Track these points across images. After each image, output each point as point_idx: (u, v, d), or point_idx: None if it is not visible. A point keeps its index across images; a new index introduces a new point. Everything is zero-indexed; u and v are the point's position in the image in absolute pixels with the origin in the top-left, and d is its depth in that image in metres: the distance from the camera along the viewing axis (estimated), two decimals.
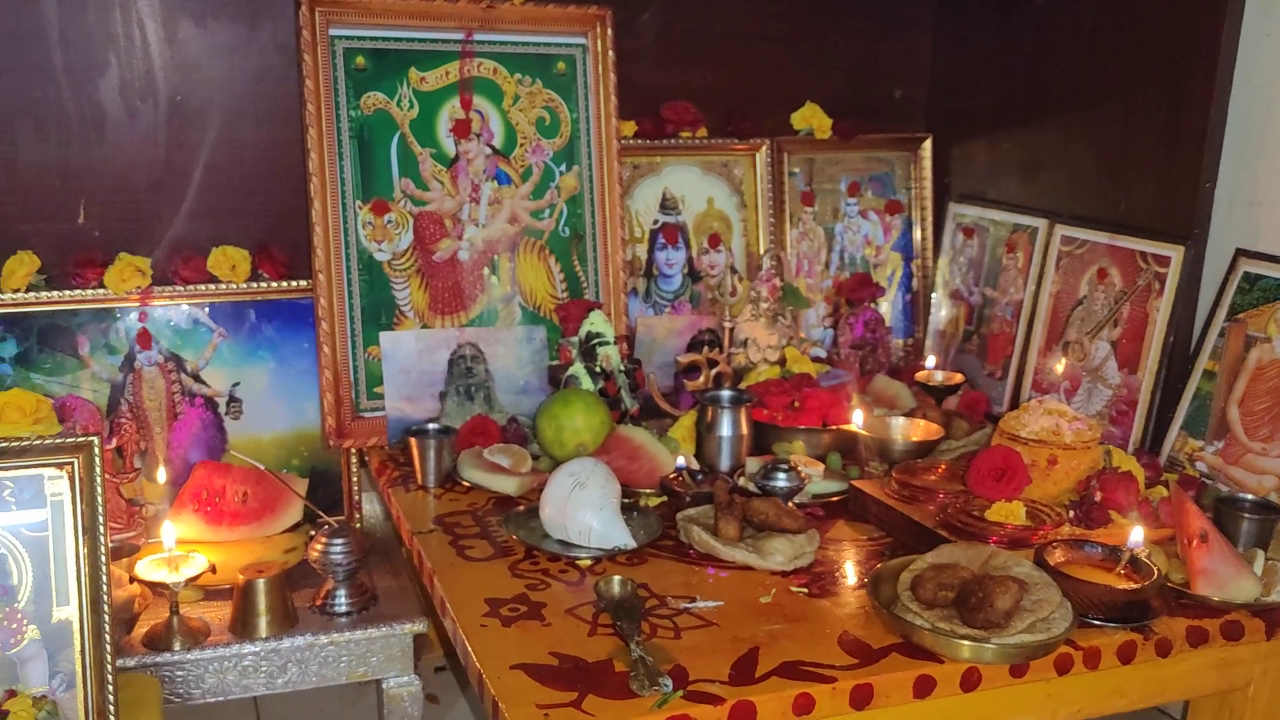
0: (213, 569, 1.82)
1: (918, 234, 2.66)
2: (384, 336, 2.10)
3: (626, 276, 2.30)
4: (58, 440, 1.35)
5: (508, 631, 1.41)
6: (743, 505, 1.65)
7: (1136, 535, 1.53)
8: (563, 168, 2.24)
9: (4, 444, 1.32)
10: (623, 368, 2.12)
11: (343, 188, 2.09)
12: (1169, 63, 2.06)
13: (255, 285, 2.11)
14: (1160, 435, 2.04)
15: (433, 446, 1.92)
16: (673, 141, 2.41)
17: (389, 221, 2.14)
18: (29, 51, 1.98)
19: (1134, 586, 1.44)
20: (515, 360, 2.17)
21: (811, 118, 2.52)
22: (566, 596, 1.51)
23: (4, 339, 1.97)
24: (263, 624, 1.81)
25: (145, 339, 2.06)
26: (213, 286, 2.09)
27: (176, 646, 1.76)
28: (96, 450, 1.35)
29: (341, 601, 1.88)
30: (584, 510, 1.65)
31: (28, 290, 1.99)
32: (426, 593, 1.97)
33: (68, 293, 2.01)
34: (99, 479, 1.34)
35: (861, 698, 1.29)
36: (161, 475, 2.08)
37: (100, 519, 1.34)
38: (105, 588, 1.34)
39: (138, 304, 2.05)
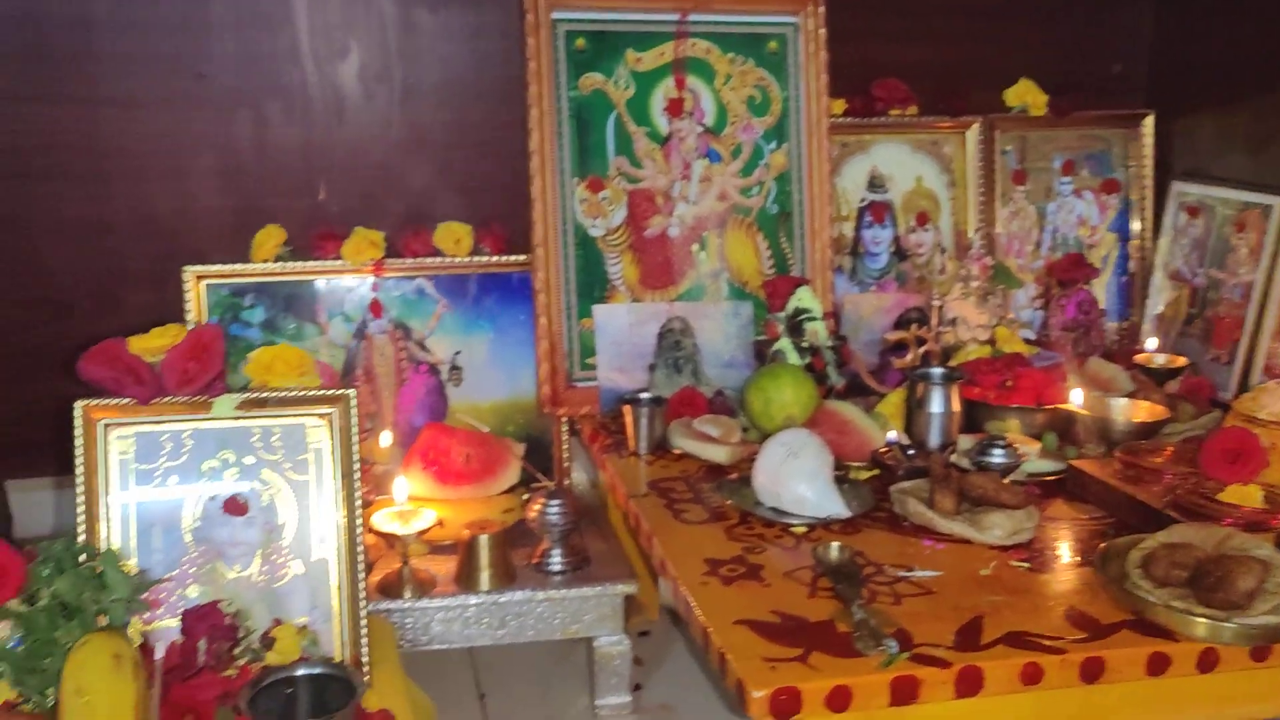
0: (440, 523, 1.93)
1: (1136, 214, 2.56)
2: (597, 309, 2.18)
3: (833, 254, 2.31)
4: (319, 392, 1.46)
5: (728, 590, 1.45)
6: (959, 479, 1.64)
7: None
8: (772, 145, 2.27)
9: (274, 394, 1.44)
10: (830, 344, 2.13)
11: (561, 165, 2.17)
12: None
13: (477, 259, 2.22)
14: None
15: (645, 415, 1.98)
16: (882, 119, 2.40)
17: (604, 198, 2.21)
18: (280, 37, 2.14)
19: None
20: (722, 335, 2.21)
21: (1026, 94, 2.47)
22: (783, 560, 1.54)
23: (254, 306, 2.13)
24: (485, 578, 1.91)
25: (377, 308, 2.19)
26: (438, 259, 2.20)
27: (407, 595, 1.87)
28: (352, 402, 1.45)
29: (556, 561, 1.96)
30: (797, 480, 1.68)
31: (275, 260, 2.14)
32: (633, 557, 2.04)
33: (309, 263, 2.16)
34: (355, 428, 1.45)
35: (1092, 671, 1.27)
36: (386, 438, 2.20)
37: (355, 465, 1.44)
38: (359, 529, 1.44)
39: (371, 275, 2.18)
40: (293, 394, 1.45)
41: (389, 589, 1.88)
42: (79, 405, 1.39)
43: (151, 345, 1.40)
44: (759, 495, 1.72)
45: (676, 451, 1.96)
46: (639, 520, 1.73)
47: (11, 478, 2.33)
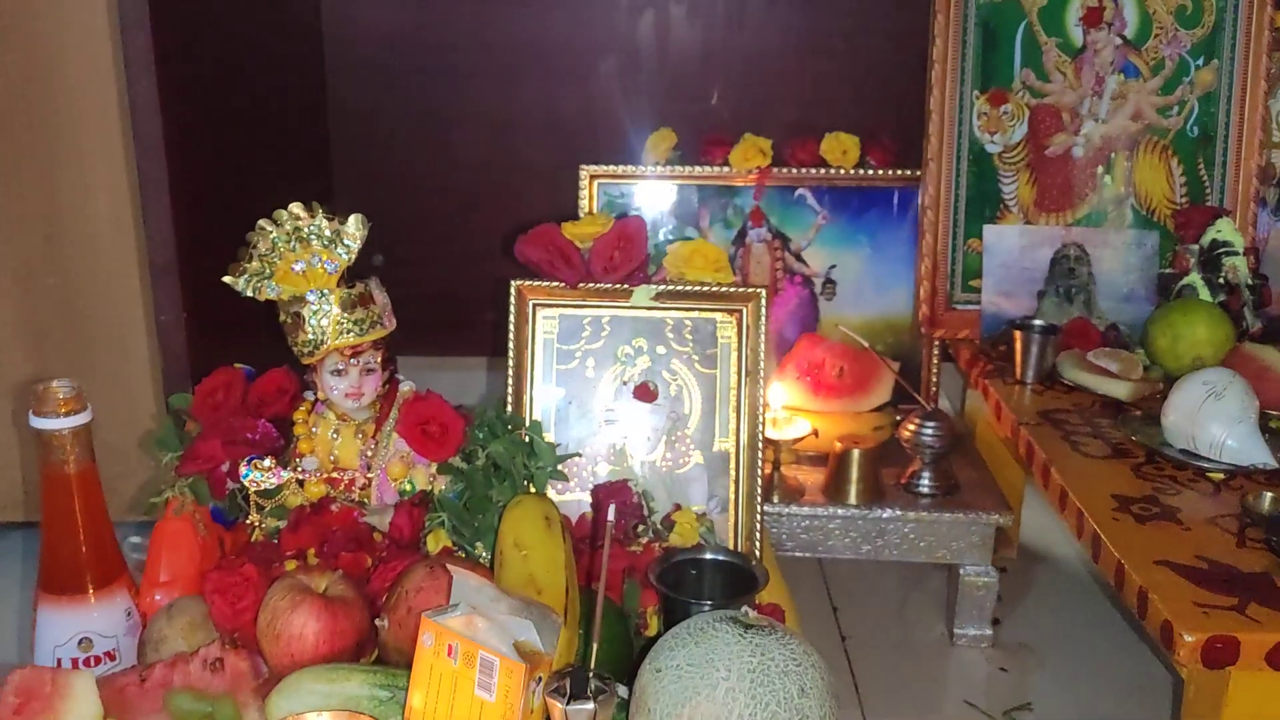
0: (815, 433, 1.94)
1: None
2: (988, 229, 2.09)
3: (1259, 185, 2.09)
4: (732, 289, 1.48)
5: (1143, 529, 1.37)
6: None
7: None
8: (1199, 61, 2.07)
9: (691, 287, 1.47)
10: (1250, 282, 1.94)
11: (963, 76, 2.08)
12: None
13: (861, 172, 2.17)
14: None
15: (1037, 343, 1.90)
16: None
17: (1004, 113, 2.10)
18: None
19: None
20: (1121, 265, 2.07)
21: None
22: (1202, 505, 1.44)
23: (640, 208, 2.20)
24: (854, 492, 1.90)
25: (758, 216, 2.20)
26: (822, 171, 2.18)
27: (776, 499, 1.90)
28: (763, 302, 1.47)
29: (926, 483, 1.92)
30: (1216, 422, 1.55)
31: (665, 163, 2.19)
32: (1004, 490, 1.97)
33: (696, 168, 2.19)
34: (764, 327, 1.46)
35: None
36: None
37: (761, 364, 1.46)
38: (760, 427, 1.46)
39: (754, 183, 2.19)
40: (706, 289, 1.48)
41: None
42: (514, 284, 1.48)
43: (581, 232, 1.46)
44: (1168, 435, 1.61)
45: (1067, 383, 1.87)
46: (1031, 449, 1.66)
47: (405, 354, 2.54)
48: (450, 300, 2.38)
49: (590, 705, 0.98)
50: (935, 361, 2.21)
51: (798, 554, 1.93)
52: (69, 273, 1.86)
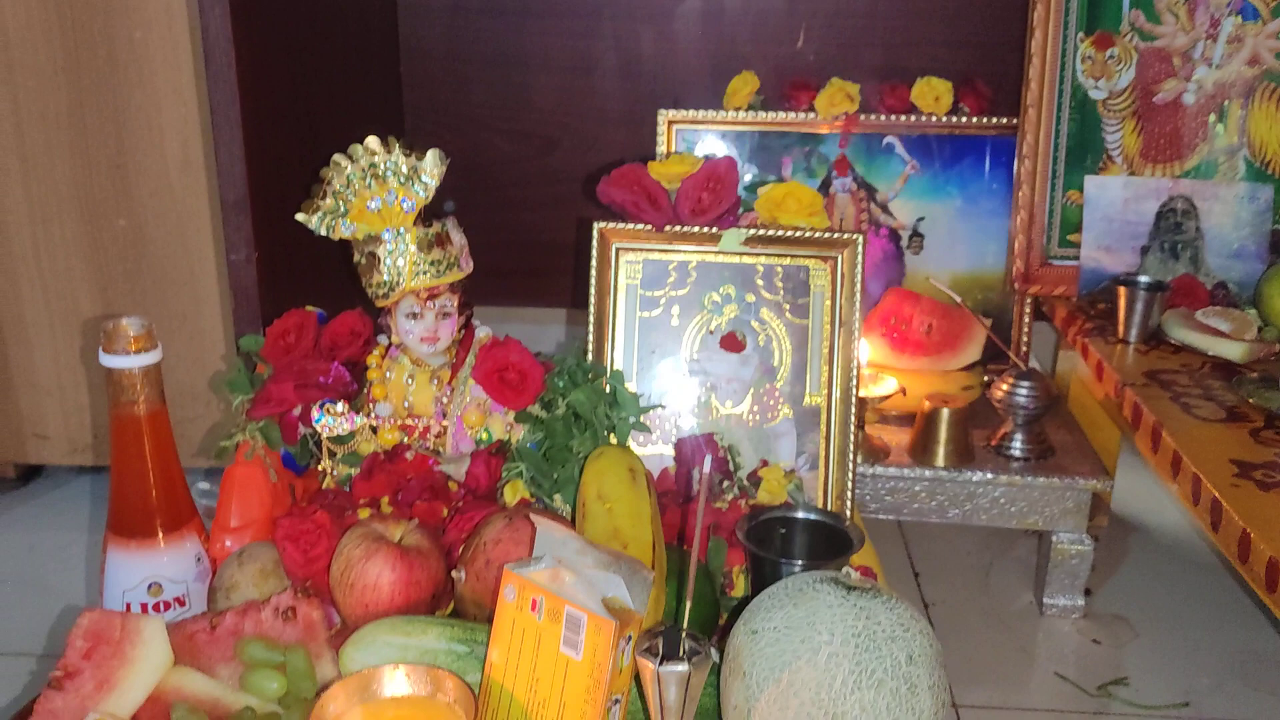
0: (903, 391, 1.85)
1: None
2: (1089, 181, 1.97)
3: None
4: (827, 234, 1.40)
5: (1266, 496, 1.28)
6: None
7: None
8: None
9: (783, 232, 1.39)
10: None
11: (1066, 18, 1.96)
12: None
13: (954, 119, 2.07)
14: None
15: (1142, 299, 1.79)
16: None
17: (1110, 57, 1.98)
18: None
19: None
20: (1232, 220, 1.94)
21: None
22: None
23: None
24: (941, 453, 1.82)
25: (843, 165, 2.11)
26: (912, 118, 2.08)
27: (860, 459, 1.82)
28: (860, 248, 1.38)
29: (1018, 446, 1.83)
30: None
31: (746, 109, 2.10)
32: (1101, 454, 1.87)
33: (779, 114, 2.10)
34: (859, 276, 1.38)
35: None
36: None
37: (857, 315, 1.38)
38: (854, 381, 1.38)
39: (840, 130, 2.09)
40: (800, 234, 1.40)
41: None
42: (597, 227, 1.41)
43: (670, 172, 1.39)
44: None
45: (1173, 342, 1.76)
46: (1139, 411, 1.56)
47: (478, 304, 2.49)
48: (526, 248, 2.31)
49: (684, 667, 0.92)
50: (1028, 319, 2.11)
51: (881, 516, 1.85)
52: (138, 213, 1.83)
